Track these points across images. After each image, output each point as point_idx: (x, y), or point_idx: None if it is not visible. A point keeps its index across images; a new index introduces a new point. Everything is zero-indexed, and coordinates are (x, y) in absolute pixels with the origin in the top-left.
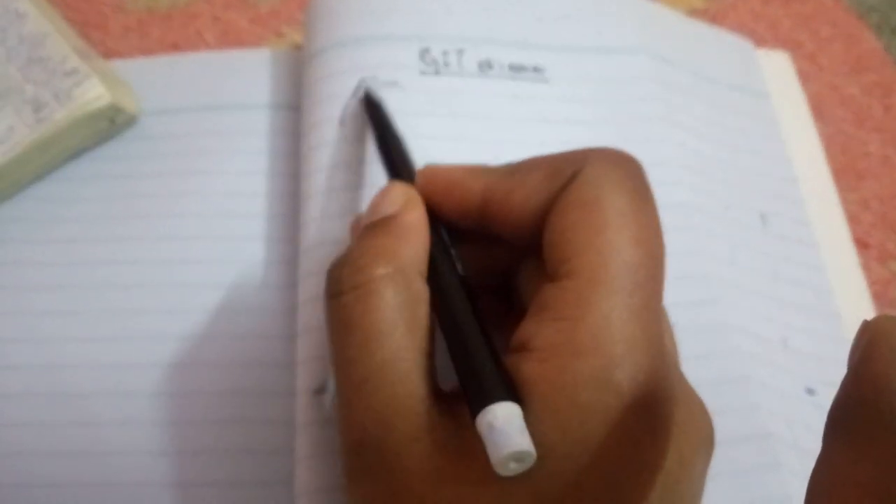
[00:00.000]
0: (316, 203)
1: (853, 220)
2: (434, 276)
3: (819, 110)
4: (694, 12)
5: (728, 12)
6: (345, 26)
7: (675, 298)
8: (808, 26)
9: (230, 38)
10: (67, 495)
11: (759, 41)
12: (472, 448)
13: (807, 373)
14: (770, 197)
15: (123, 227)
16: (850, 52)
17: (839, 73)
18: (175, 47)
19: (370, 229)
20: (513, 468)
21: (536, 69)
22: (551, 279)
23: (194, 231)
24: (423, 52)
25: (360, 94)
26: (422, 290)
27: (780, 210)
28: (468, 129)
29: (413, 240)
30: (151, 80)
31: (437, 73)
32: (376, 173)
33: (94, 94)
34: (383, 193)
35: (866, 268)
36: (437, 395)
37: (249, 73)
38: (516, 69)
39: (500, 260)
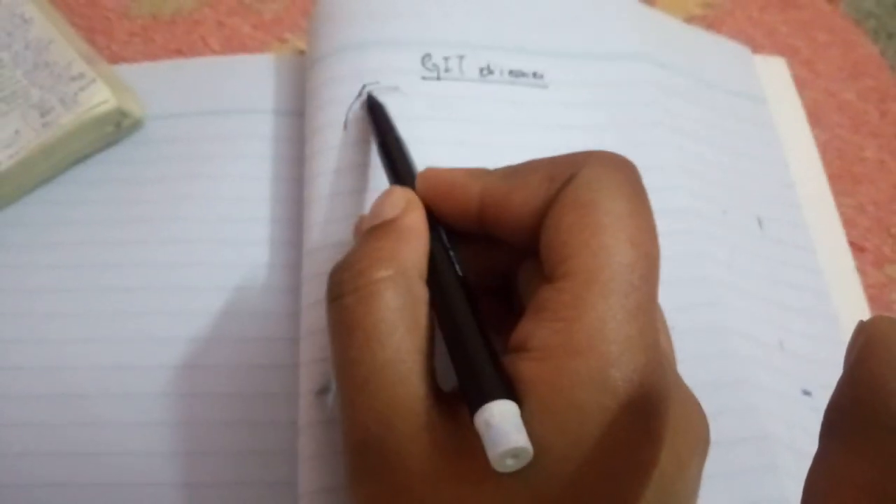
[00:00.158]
0: (319, 207)
1: (849, 224)
2: (433, 277)
3: (816, 115)
4: (692, 18)
5: (726, 19)
6: (347, 32)
7: (674, 301)
8: (805, 32)
9: (234, 44)
10: (70, 496)
11: (757, 47)
12: (471, 447)
13: (803, 375)
14: (767, 201)
15: (128, 230)
16: (846, 57)
17: (836, 78)
18: (179, 53)
19: (371, 233)
20: (510, 465)
21: (536, 75)
22: (548, 280)
23: (198, 234)
24: (425, 58)
25: (363, 98)
26: (422, 292)
27: (777, 214)
28: (469, 134)
29: (413, 242)
30: (156, 84)
31: (438, 78)
32: (379, 177)
33: (99, 98)
34: (384, 197)
35: (862, 271)
36: (438, 395)
37: (253, 79)
38: (516, 74)
39: (500, 261)
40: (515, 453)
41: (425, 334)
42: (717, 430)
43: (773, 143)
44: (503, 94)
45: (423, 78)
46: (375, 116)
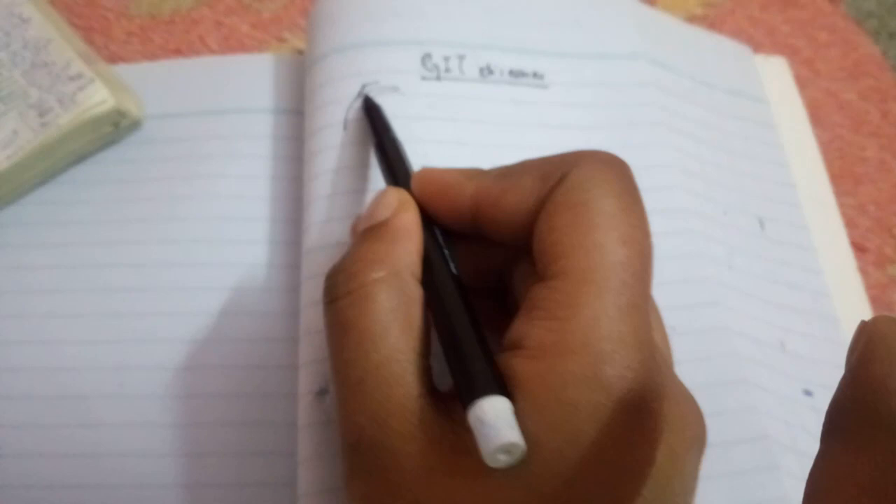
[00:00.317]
0: (318, 207)
1: (850, 224)
2: (427, 275)
3: (817, 115)
4: (693, 18)
5: (726, 18)
6: (347, 32)
7: (674, 302)
8: (806, 32)
9: (232, 44)
10: (70, 497)
11: (757, 47)
12: (465, 444)
13: (804, 375)
14: (768, 201)
15: (127, 230)
16: (847, 57)
17: (837, 78)
18: (178, 52)
19: (364, 235)
20: (503, 460)
21: (536, 75)
22: (542, 279)
23: (197, 234)
24: (425, 58)
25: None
26: (415, 292)
27: (777, 214)
28: (469, 134)
29: (405, 243)
30: (155, 84)
31: (438, 78)
32: (379, 177)
33: (98, 98)
34: (378, 198)
35: (864, 272)
36: (433, 394)
37: (252, 78)
38: (516, 74)
39: (495, 261)
40: (508, 449)
41: (419, 334)
42: (718, 430)
43: (773, 143)
44: (503, 95)
45: (423, 78)
46: (372, 117)
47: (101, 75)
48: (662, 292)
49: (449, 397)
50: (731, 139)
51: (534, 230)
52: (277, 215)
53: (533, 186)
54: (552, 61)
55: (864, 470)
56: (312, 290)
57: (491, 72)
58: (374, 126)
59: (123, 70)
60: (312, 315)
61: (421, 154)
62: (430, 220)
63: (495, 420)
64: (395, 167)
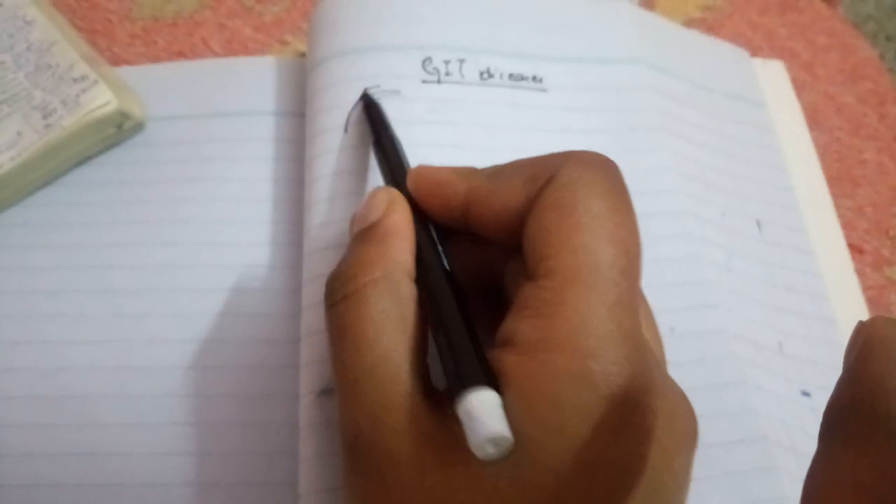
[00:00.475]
0: (319, 209)
1: (848, 226)
2: (420, 272)
3: (815, 119)
4: (691, 22)
5: (725, 22)
6: (348, 35)
7: (673, 304)
8: (804, 36)
9: (235, 47)
10: (72, 496)
11: (756, 50)
12: (457, 438)
13: (802, 377)
14: (766, 204)
15: (130, 231)
16: (845, 60)
17: (835, 81)
18: (180, 55)
19: (357, 238)
20: (491, 452)
21: (536, 78)
22: (530, 279)
23: (200, 236)
24: (425, 61)
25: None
26: (409, 291)
27: (776, 217)
28: (469, 137)
29: (396, 243)
30: (158, 86)
31: (438, 81)
32: (379, 180)
33: (101, 100)
34: (369, 199)
35: (861, 274)
36: (429, 392)
37: (254, 81)
38: (516, 78)
39: (487, 260)
40: (495, 441)
41: (415, 333)
42: (717, 431)
43: (771, 147)
44: (503, 98)
45: (424, 81)
46: (371, 115)
47: (105, 77)
48: (661, 294)
49: (445, 395)
50: (730, 143)
51: (523, 230)
52: (279, 217)
53: (522, 186)
54: (552, 65)
55: (862, 470)
56: (313, 292)
57: (491, 75)
58: (373, 124)
59: (126, 72)
60: (313, 316)
61: (421, 157)
62: (424, 216)
63: (483, 412)
64: (393, 164)
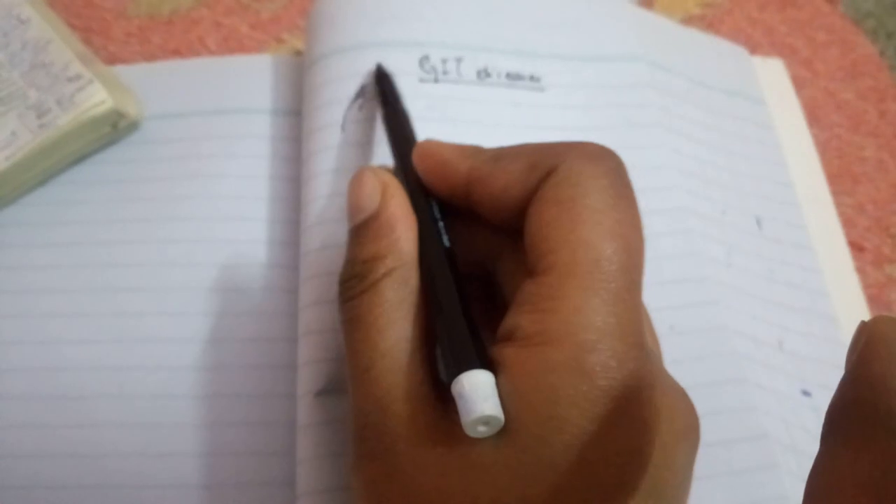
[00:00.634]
0: (316, 208)
1: (849, 223)
2: (420, 253)
3: (815, 115)
4: (690, 19)
5: (724, 18)
6: (345, 33)
7: (673, 301)
8: (804, 32)
9: (231, 44)
10: (70, 497)
11: (755, 47)
12: (458, 427)
13: (803, 375)
14: (766, 201)
15: (126, 230)
16: (845, 57)
17: (835, 78)
18: (177, 53)
19: (359, 232)
20: (482, 432)
21: (533, 77)
22: (531, 274)
23: (196, 234)
24: (423, 60)
25: (366, 85)
26: (418, 280)
27: (776, 214)
28: (466, 136)
29: (399, 233)
30: (153, 85)
31: (435, 80)
32: None
33: (96, 99)
34: (358, 185)
35: (862, 271)
36: (437, 381)
37: (251, 79)
38: (514, 77)
39: (483, 248)
40: (486, 421)
41: (424, 323)
42: (717, 429)
43: (771, 143)
44: (501, 97)
45: (421, 80)
46: (383, 87)
47: (100, 76)
48: (661, 291)
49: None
50: (729, 139)
51: (524, 223)
52: (276, 215)
53: (521, 173)
54: (549, 63)
55: (864, 469)
56: (311, 291)
57: (488, 74)
58: (385, 95)
59: (122, 71)
60: (311, 315)
61: None
62: (427, 192)
63: (474, 393)
64: (402, 138)
